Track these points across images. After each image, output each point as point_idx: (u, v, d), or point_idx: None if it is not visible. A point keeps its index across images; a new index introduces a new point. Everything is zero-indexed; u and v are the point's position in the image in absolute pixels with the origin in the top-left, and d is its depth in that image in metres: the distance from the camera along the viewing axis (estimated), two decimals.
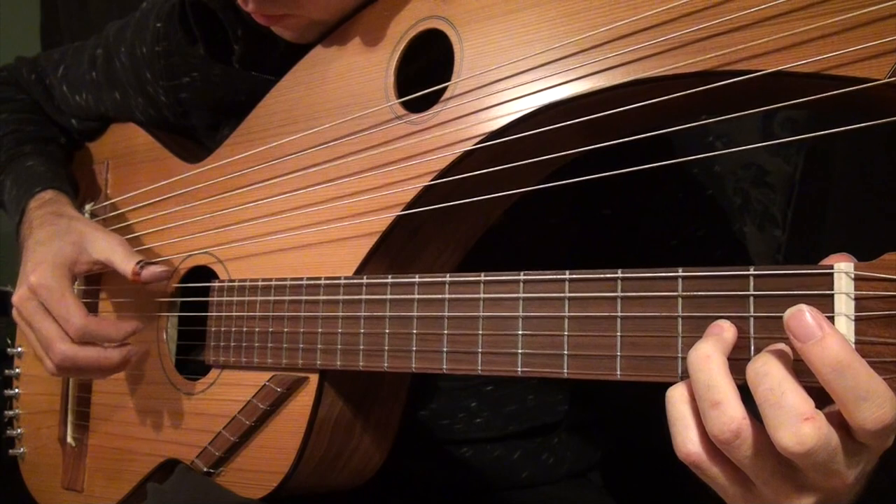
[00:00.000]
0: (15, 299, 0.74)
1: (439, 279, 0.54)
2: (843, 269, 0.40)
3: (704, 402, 0.40)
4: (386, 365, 0.57)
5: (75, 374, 0.85)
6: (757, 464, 0.39)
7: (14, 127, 0.91)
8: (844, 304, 0.40)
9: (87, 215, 0.89)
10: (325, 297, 0.61)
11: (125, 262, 0.73)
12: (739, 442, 0.39)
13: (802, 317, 0.37)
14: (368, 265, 0.61)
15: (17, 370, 0.97)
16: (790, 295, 0.41)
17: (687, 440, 0.41)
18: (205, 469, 0.71)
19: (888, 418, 0.36)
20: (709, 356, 0.40)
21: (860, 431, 0.37)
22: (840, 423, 0.38)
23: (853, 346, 0.39)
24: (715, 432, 0.39)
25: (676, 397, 0.42)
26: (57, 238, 0.75)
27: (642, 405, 0.60)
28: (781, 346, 0.40)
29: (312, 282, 0.62)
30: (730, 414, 0.39)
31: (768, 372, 0.38)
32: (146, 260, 0.74)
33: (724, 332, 0.42)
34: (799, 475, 0.39)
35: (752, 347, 0.42)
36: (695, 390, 0.41)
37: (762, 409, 0.38)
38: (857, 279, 0.39)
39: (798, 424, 0.37)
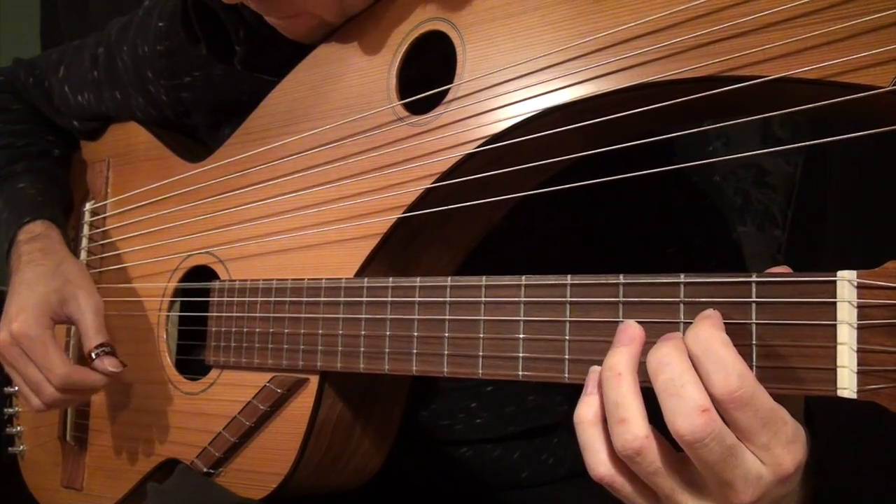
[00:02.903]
0: None
1: (440, 282, 0.54)
2: (845, 277, 0.40)
3: (612, 417, 0.42)
4: (387, 367, 0.57)
5: (64, 407, 0.88)
6: (658, 480, 0.41)
7: (7, 140, 0.91)
8: (847, 313, 0.39)
9: (87, 214, 0.89)
10: (325, 299, 0.61)
11: (89, 338, 0.75)
12: (640, 458, 0.41)
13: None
14: (369, 267, 0.61)
15: None
16: (792, 302, 0.41)
17: (599, 463, 0.43)
18: (205, 469, 0.71)
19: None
20: (620, 374, 0.42)
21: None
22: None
23: (856, 355, 0.39)
24: (619, 447, 0.41)
25: (586, 421, 0.44)
26: (42, 282, 0.76)
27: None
28: (678, 335, 0.42)
29: (313, 283, 0.62)
30: (634, 432, 0.41)
31: (670, 362, 0.40)
32: (108, 346, 0.74)
33: (635, 339, 0.43)
34: (703, 492, 0.41)
35: (755, 354, 0.42)
36: (605, 404, 0.42)
37: (661, 398, 0.40)
38: (859, 287, 0.39)
39: (695, 414, 0.38)
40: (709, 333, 0.40)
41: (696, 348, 0.40)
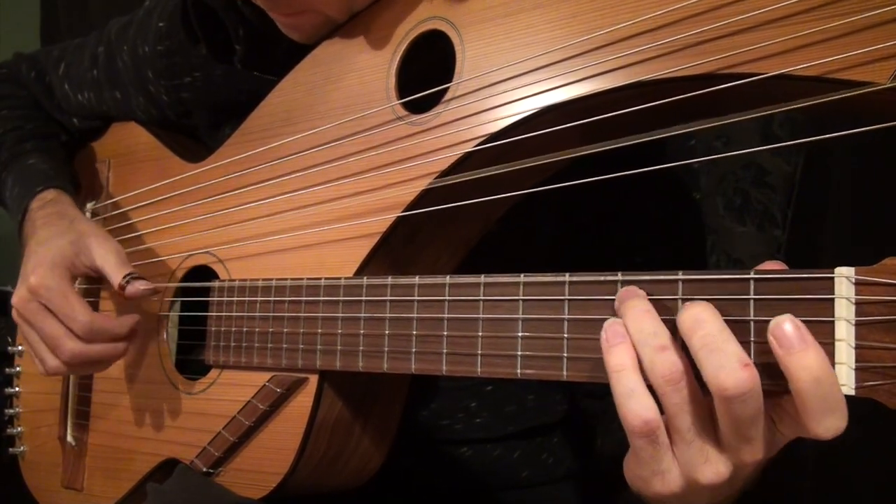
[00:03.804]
0: (15, 300, 0.73)
1: (439, 281, 0.54)
2: (843, 273, 0.40)
3: (650, 347, 0.42)
4: (385, 366, 0.57)
5: (80, 371, 0.86)
6: (692, 410, 0.41)
7: (15, 124, 0.91)
8: (845, 309, 0.40)
9: (88, 214, 0.89)
10: (324, 298, 0.61)
11: (114, 273, 0.73)
12: (683, 385, 0.41)
13: (788, 326, 0.39)
14: (368, 266, 0.61)
15: (18, 368, 0.97)
16: (790, 299, 0.41)
17: (646, 407, 0.42)
18: (204, 469, 0.71)
19: (841, 430, 0.39)
20: (648, 310, 0.43)
21: (806, 434, 0.40)
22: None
23: (853, 351, 0.39)
24: (665, 373, 0.41)
25: (627, 367, 0.43)
26: (56, 238, 0.75)
27: None
28: (706, 303, 0.42)
29: (312, 282, 0.62)
30: (676, 356, 0.41)
31: (706, 320, 0.41)
32: (135, 273, 0.73)
33: (640, 293, 0.44)
34: (721, 438, 0.42)
35: (753, 351, 0.42)
36: (640, 339, 0.42)
37: (699, 354, 0.40)
38: (857, 283, 0.39)
39: (738, 367, 0.39)
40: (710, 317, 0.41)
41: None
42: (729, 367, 0.39)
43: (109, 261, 0.74)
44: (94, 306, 0.86)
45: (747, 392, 0.39)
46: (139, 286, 0.72)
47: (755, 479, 0.46)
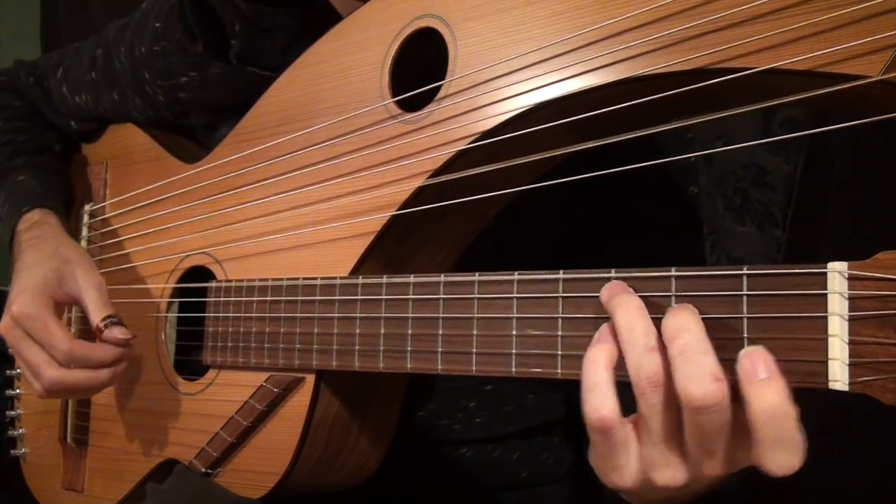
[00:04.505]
0: (1, 329, 0.74)
1: (434, 279, 0.54)
2: (836, 268, 0.39)
3: (639, 346, 0.42)
4: (381, 365, 0.57)
5: (66, 396, 0.86)
6: (665, 414, 0.42)
7: (7, 137, 0.91)
8: (838, 304, 0.39)
9: (86, 216, 0.90)
10: (320, 298, 0.61)
11: (94, 312, 0.73)
12: (663, 389, 0.41)
13: (754, 356, 0.39)
14: (364, 265, 0.61)
15: (19, 370, 0.97)
16: (783, 295, 0.41)
17: (605, 405, 0.42)
18: (203, 469, 0.71)
19: (794, 468, 0.39)
20: (640, 307, 0.43)
21: (758, 464, 0.40)
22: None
23: (847, 346, 0.39)
24: (650, 374, 0.41)
25: (600, 362, 0.43)
26: (40, 264, 0.75)
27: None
28: (690, 306, 0.42)
29: (308, 282, 0.62)
30: (661, 361, 0.41)
31: (690, 328, 0.41)
32: (114, 318, 0.72)
33: (629, 288, 0.45)
34: (685, 447, 0.42)
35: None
36: (629, 337, 0.42)
37: (676, 360, 0.40)
38: (850, 278, 0.39)
39: (709, 380, 0.39)
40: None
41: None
42: (700, 378, 0.39)
43: (91, 296, 0.74)
44: (86, 332, 0.84)
45: (714, 405, 0.39)
46: (116, 334, 0.72)
47: (713, 489, 0.46)
